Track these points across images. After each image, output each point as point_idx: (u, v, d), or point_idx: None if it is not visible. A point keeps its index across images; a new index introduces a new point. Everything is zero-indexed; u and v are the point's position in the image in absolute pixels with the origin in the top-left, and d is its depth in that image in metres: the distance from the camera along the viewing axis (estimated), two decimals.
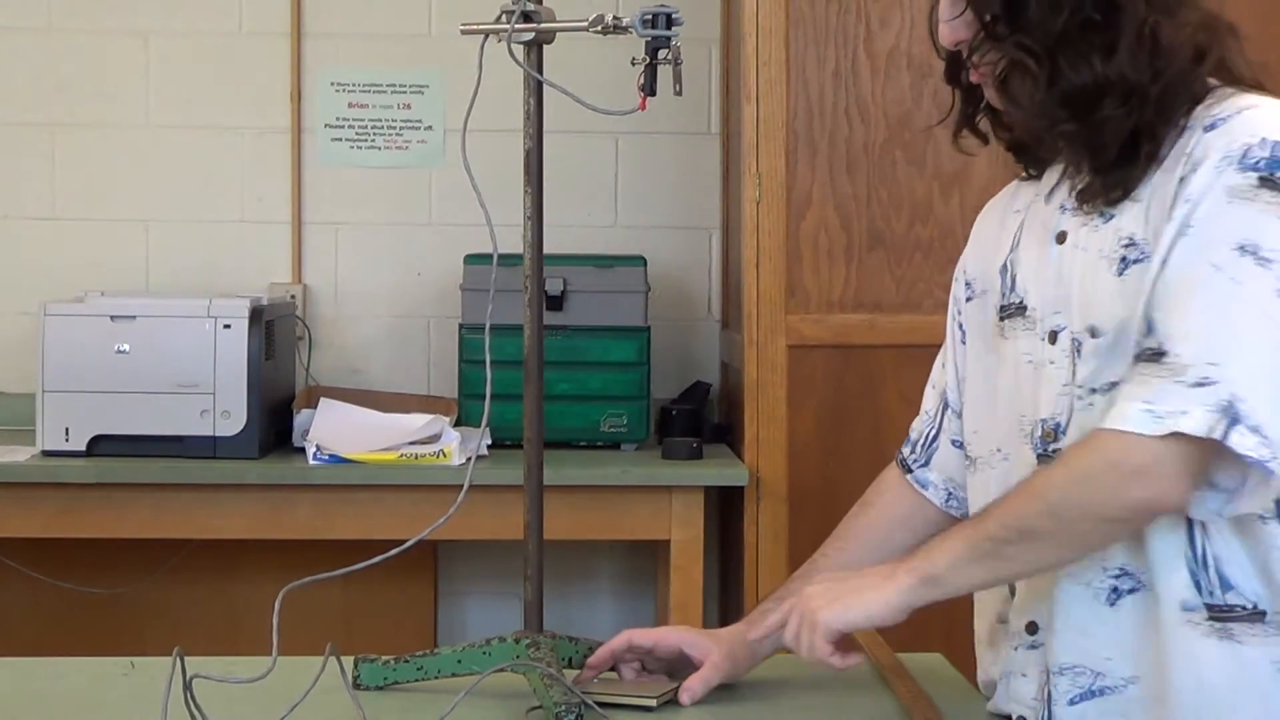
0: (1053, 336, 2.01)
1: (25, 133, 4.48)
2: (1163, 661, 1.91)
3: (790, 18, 3.84)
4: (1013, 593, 2.06)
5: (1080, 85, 1.91)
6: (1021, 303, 2.07)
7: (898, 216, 3.87)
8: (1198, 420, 1.79)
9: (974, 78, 2.03)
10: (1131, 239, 1.93)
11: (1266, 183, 1.85)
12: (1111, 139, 1.93)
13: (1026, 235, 2.10)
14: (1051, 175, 2.09)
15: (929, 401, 2.30)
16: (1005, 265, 2.11)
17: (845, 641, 2.02)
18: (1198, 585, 1.90)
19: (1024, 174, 2.14)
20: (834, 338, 3.87)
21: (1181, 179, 1.88)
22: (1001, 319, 2.11)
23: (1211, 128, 1.89)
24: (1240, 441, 1.79)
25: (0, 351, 4.41)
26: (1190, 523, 1.90)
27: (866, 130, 3.87)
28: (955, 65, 2.09)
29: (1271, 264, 1.83)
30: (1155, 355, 1.84)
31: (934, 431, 2.27)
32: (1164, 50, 1.92)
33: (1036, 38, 1.92)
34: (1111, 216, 1.96)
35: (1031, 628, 2.02)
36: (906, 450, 2.31)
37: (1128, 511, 1.86)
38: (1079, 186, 2.00)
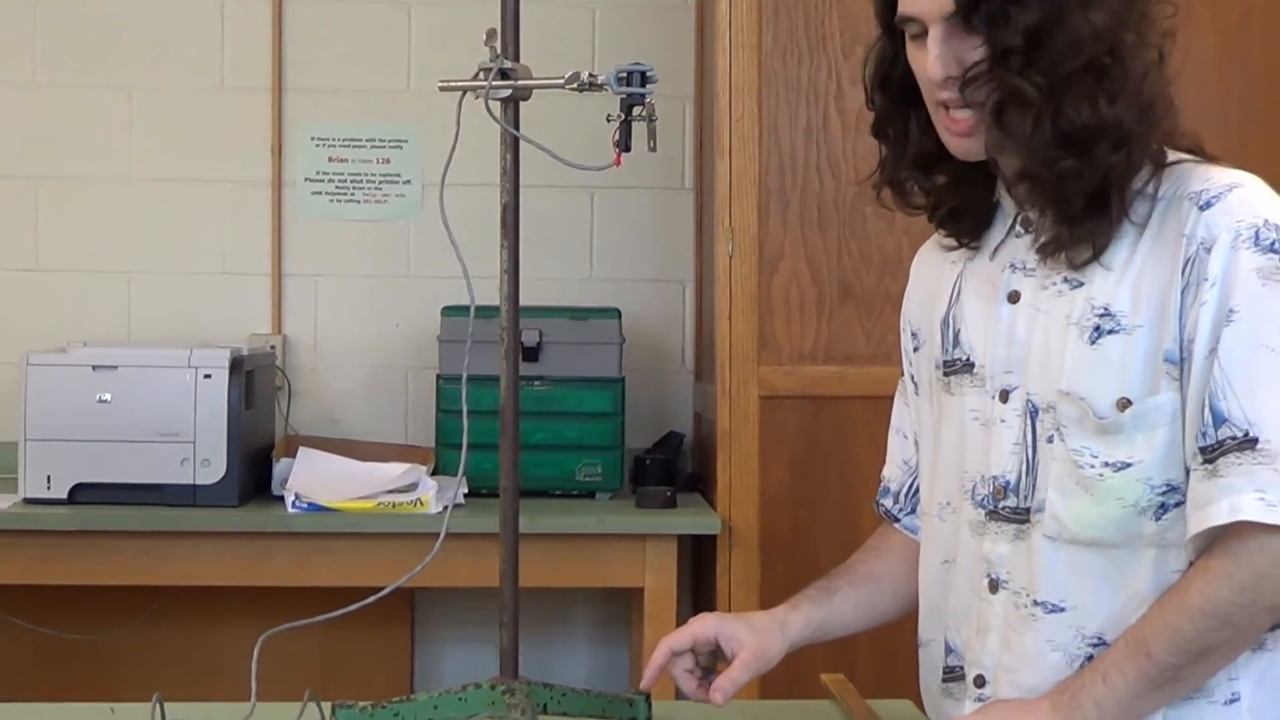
0: (1004, 395, 2.01)
1: (9, 185, 4.52)
2: None
3: (763, 75, 3.88)
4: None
5: (1081, 126, 1.88)
6: (968, 359, 2.07)
7: (868, 270, 3.91)
8: None
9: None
10: (1107, 309, 1.92)
11: None
12: (1098, 182, 1.91)
13: (968, 290, 2.10)
14: (994, 234, 2.08)
15: (905, 451, 2.28)
16: (947, 320, 2.12)
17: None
18: None
19: (954, 244, 2.13)
20: (805, 389, 3.89)
21: (1189, 260, 1.87)
22: (946, 374, 2.11)
23: (1207, 206, 1.88)
24: None
25: None
26: None
27: (837, 186, 3.90)
28: (886, 119, 2.07)
29: None
30: (1246, 444, 1.83)
31: (915, 480, 2.25)
32: (1153, 101, 1.92)
33: (1046, 74, 1.88)
34: (1080, 284, 1.95)
35: (979, 681, 2.03)
36: (888, 501, 2.29)
37: None
38: (1043, 239, 1.97)
